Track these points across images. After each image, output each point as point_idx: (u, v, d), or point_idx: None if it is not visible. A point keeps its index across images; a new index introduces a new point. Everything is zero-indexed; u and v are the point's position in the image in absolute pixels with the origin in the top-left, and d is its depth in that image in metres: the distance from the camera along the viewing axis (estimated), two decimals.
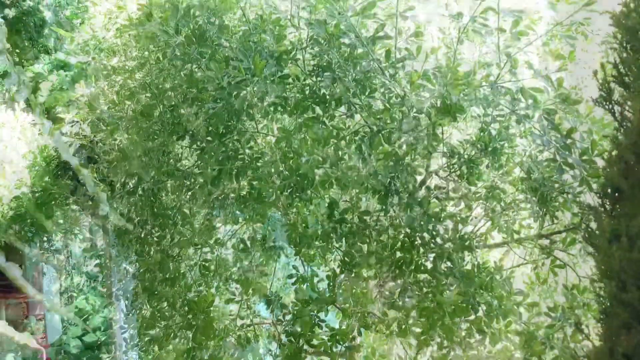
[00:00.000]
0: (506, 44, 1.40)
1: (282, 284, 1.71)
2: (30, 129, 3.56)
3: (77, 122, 2.64)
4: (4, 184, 3.12)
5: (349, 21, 1.33)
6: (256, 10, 1.61)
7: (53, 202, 2.99)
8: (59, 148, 0.95)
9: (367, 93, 1.36)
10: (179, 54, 1.38)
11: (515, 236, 1.51)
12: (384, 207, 1.36)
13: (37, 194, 3.25)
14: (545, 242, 1.54)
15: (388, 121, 1.28)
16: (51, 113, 4.55)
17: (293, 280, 1.55)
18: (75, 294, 5.74)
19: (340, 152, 1.36)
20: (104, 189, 1.67)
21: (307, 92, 1.43)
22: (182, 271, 1.63)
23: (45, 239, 3.33)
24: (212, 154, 1.49)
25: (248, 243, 1.55)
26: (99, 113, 1.66)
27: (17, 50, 5.45)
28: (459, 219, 1.37)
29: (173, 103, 1.55)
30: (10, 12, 5.05)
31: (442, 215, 1.34)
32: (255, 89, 1.31)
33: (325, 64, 1.38)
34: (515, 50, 1.40)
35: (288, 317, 1.51)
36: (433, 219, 1.31)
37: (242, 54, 1.35)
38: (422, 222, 1.28)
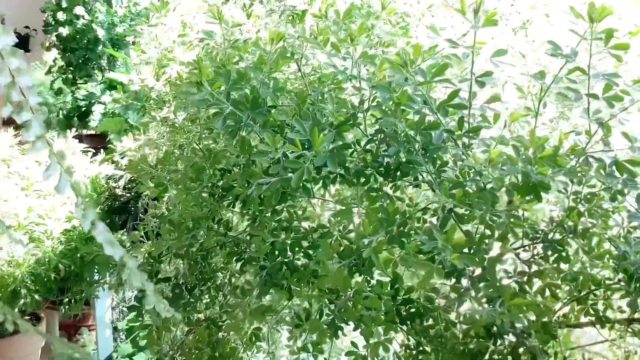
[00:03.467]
0: (597, 109, 1.23)
1: None
2: (81, 157, 3.51)
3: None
4: (54, 216, 3.07)
5: (418, 89, 1.18)
6: (312, 64, 1.48)
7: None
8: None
9: (437, 166, 1.21)
10: (230, 121, 1.26)
11: (604, 318, 1.34)
12: (457, 296, 1.21)
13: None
14: (638, 326, 1.36)
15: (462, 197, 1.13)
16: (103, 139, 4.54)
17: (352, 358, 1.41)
18: (126, 309, 5.74)
19: (406, 229, 1.21)
20: (152, 252, 1.56)
21: (368, 160, 1.29)
22: (232, 345, 1.51)
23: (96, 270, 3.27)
24: (265, 225, 1.36)
25: (303, 317, 1.42)
26: (148, 172, 1.56)
27: (71, 69, 5.49)
28: (543, 309, 1.21)
29: (223, 167, 1.43)
30: (65, 31, 5.07)
31: (525, 305, 1.18)
32: (313, 164, 1.17)
33: (390, 133, 1.24)
34: (608, 116, 1.22)
35: None
36: (514, 313, 1.15)
37: (298, 123, 1.21)
38: (503, 320, 1.13)
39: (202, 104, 1.32)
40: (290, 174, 1.22)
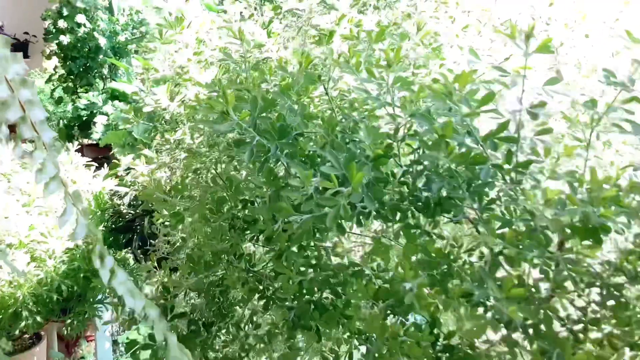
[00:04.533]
0: None
1: None
2: (84, 171, 3.40)
3: (133, 168, 2.44)
4: (56, 234, 2.96)
5: (463, 120, 1.08)
6: (339, 88, 1.38)
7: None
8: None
9: (483, 204, 1.11)
10: (258, 152, 1.16)
11: None
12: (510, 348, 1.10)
13: (90, 246, 3.08)
14: None
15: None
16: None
17: None
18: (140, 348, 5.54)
19: (449, 271, 1.11)
20: (166, 284, 1.46)
21: (404, 193, 1.19)
22: None
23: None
24: (293, 261, 1.26)
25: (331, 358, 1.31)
26: (162, 200, 1.46)
27: (72, 77, 5.39)
28: None
29: (247, 197, 1.33)
30: (66, 39, 4.98)
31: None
32: (349, 201, 1.07)
33: (431, 166, 1.14)
34: None
35: None
36: None
37: (332, 156, 1.11)
38: None
39: (228, 132, 1.22)
40: (323, 210, 1.12)
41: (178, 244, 1.71)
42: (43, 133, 0.87)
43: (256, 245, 1.44)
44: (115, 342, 5.67)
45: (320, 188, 1.13)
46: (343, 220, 1.21)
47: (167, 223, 1.82)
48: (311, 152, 1.23)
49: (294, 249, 1.31)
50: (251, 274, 1.38)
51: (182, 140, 1.67)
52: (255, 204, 1.35)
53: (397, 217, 1.22)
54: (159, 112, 1.69)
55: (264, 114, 1.17)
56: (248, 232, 1.37)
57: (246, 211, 1.36)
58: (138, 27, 5.46)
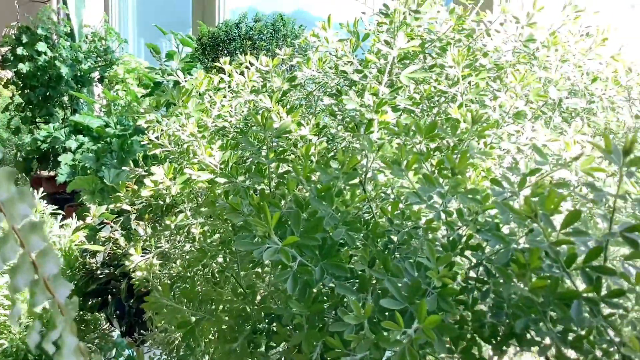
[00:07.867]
0: None
1: None
2: (51, 221, 3.12)
3: (108, 223, 2.23)
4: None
5: (545, 243, 0.92)
6: (375, 182, 1.20)
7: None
8: None
9: (568, 341, 0.94)
10: (301, 276, 0.97)
11: None
12: None
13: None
14: None
15: None
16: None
17: None
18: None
19: None
20: None
21: (465, 317, 1.02)
22: None
23: None
24: None
25: None
26: (169, 310, 1.25)
27: (30, 107, 5.09)
28: None
29: (272, 313, 1.14)
30: (25, 67, 4.70)
31: None
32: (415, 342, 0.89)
33: (506, 295, 0.97)
34: None
35: None
36: None
37: (392, 286, 0.94)
38: None
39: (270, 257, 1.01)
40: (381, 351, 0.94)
41: (177, 342, 1.49)
42: None
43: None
44: None
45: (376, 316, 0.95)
46: None
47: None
48: (358, 272, 1.04)
49: None
50: None
51: (184, 225, 1.46)
52: (287, 329, 1.15)
53: (460, 349, 1.04)
54: (160, 192, 1.47)
55: (310, 236, 0.98)
56: (273, 350, 1.18)
57: (272, 325, 1.17)
58: (102, 55, 5.21)
